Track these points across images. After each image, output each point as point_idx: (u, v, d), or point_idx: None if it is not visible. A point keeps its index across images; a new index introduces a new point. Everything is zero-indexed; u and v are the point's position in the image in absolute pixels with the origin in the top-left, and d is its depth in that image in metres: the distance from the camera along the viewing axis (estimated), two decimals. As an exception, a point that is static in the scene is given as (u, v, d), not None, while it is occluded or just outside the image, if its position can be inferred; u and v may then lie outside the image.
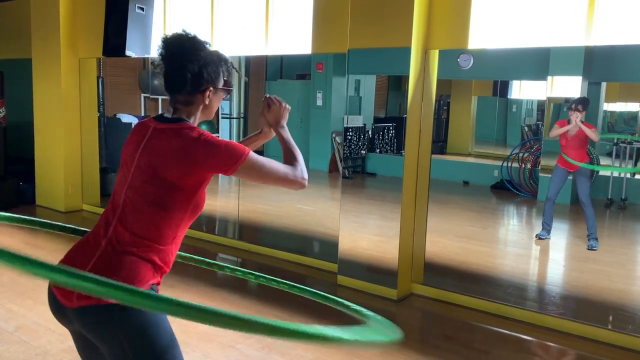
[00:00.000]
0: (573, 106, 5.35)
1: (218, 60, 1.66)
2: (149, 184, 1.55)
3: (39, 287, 3.97)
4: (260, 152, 1.72)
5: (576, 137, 5.32)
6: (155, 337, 1.49)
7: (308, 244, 5.96)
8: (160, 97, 9.46)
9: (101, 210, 6.47)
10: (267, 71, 12.39)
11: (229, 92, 1.74)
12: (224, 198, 7.99)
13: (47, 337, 3.25)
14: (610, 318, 3.98)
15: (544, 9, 3.64)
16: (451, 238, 6.04)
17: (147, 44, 6.13)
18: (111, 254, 1.51)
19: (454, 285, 4.37)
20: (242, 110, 11.70)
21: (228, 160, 1.56)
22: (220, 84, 1.69)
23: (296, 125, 11.85)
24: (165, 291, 1.39)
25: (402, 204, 4.06)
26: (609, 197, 7.32)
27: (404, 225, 4.10)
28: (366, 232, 4.61)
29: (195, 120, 1.67)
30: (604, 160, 7.90)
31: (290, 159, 1.73)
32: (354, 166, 10.80)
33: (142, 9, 6.02)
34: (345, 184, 5.21)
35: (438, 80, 4.17)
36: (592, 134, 5.33)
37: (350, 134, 10.32)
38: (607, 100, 8.58)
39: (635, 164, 7.60)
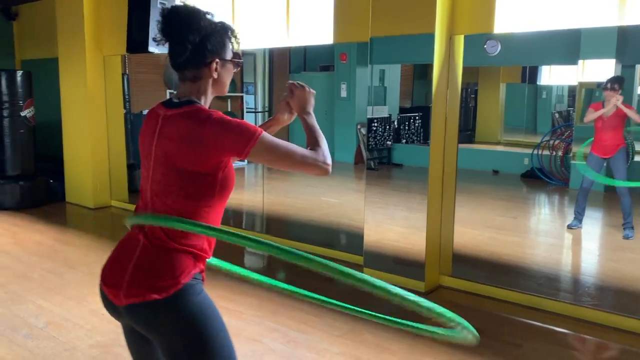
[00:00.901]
0: (609, 85, 5.14)
1: (223, 30, 1.57)
2: (169, 175, 1.51)
3: (69, 284, 4.03)
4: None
5: (614, 117, 5.12)
6: (202, 327, 1.47)
7: (333, 236, 5.91)
8: (184, 93, 9.49)
9: (129, 207, 6.57)
10: (290, 63, 12.35)
11: (238, 64, 1.65)
12: (250, 191, 8.01)
13: (75, 332, 3.28)
14: (649, 309, 3.84)
15: (573, -12, 3.49)
16: (481, 228, 5.91)
17: (169, 39, 6.14)
18: (151, 250, 1.50)
19: (484, 276, 4.27)
20: (266, 104, 11.70)
21: (239, 141, 1.47)
22: (228, 56, 1.60)
23: (321, 118, 11.78)
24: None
25: (428, 194, 3.97)
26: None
27: (430, 216, 4.01)
28: (392, 223, 4.54)
29: (206, 99, 1.60)
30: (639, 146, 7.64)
31: (312, 144, 1.63)
32: (380, 157, 10.70)
33: (164, 3, 6.02)
34: (370, 175, 5.14)
35: (464, 68, 4.06)
36: (634, 114, 5.14)
37: (376, 124, 10.22)
38: (643, 84, 8.30)
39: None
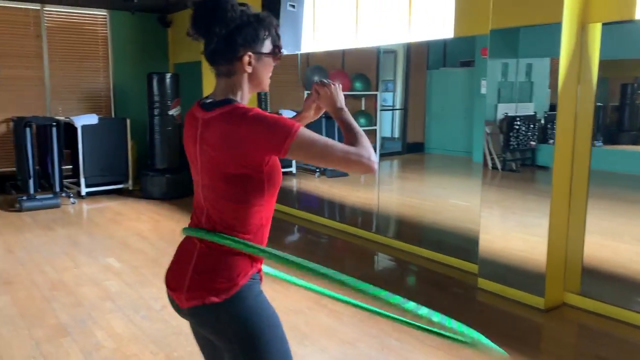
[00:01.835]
0: None
1: (256, 22, 1.50)
2: (216, 180, 1.50)
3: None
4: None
5: None
6: (258, 329, 1.47)
7: (452, 241, 5.61)
8: (319, 92, 9.72)
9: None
10: (428, 60, 12.01)
11: (277, 58, 1.58)
12: (364, 188, 7.95)
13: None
14: None
15: None
16: (629, 242, 5.19)
17: (298, 40, 6.32)
18: (207, 253, 1.51)
19: (620, 297, 3.74)
20: (402, 102, 11.51)
21: (275, 137, 1.40)
22: (264, 49, 1.52)
23: (460, 116, 11.30)
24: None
25: (551, 199, 3.59)
26: None
27: (554, 224, 3.62)
28: (518, 230, 4.17)
29: (242, 95, 1.54)
30: None
31: (352, 141, 1.51)
32: (523, 158, 9.93)
33: (293, 6, 6.21)
34: (507, 178, 4.77)
35: (630, 61, 3.56)
36: None
37: (518, 123, 9.50)
38: None
39: None
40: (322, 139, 1.44)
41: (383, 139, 8.50)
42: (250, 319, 1.47)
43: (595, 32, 3.50)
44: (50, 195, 6.64)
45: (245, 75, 1.53)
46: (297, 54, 8.22)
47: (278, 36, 1.57)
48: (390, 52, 10.64)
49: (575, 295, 3.71)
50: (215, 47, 1.48)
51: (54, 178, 6.79)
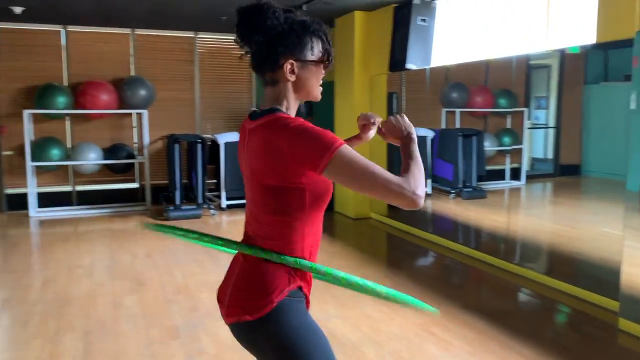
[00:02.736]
0: None
1: (301, 28, 1.44)
2: (257, 192, 1.46)
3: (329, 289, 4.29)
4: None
5: None
6: (297, 350, 1.39)
7: (591, 272, 4.94)
8: (457, 110, 9.34)
9: (387, 220, 6.78)
10: (586, 74, 10.92)
11: (325, 65, 1.49)
12: (503, 212, 7.35)
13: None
14: None
15: None
16: None
17: (428, 55, 6.13)
18: (247, 267, 1.48)
19: None
20: (556, 120, 10.60)
21: (314, 153, 1.31)
22: (309, 56, 1.45)
23: (623, 136, 10.10)
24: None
25: None
26: None
27: None
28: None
29: (288, 104, 1.48)
30: None
31: (403, 170, 1.39)
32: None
33: (424, 20, 6.04)
34: None
35: None
36: None
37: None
38: None
39: None
40: (364, 162, 1.32)
41: (533, 159, 7.87)
42: (287, 338, 1.39)
43: None
44: (194, 207, 7.19)
45: (289, 84, 1.47)
46: (425, 69, 8.03)
47: (328, 43, 1.49)
48: (543, 67, 9.89)
49: None
50: (257, 54, 1.45)
51: (198, 191, 7.34)
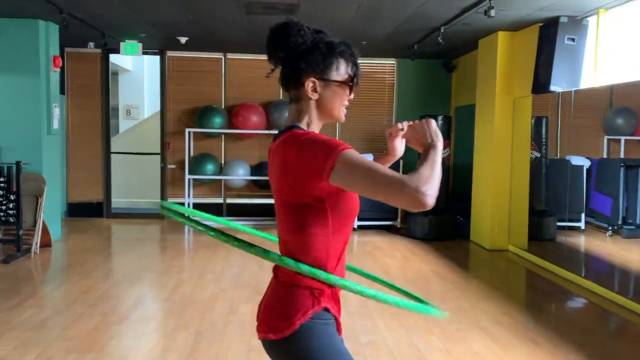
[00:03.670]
0: None
1: (326, 48, 1.43)
2: (281, 211, 1.48)
3: (409, 313, 4.17)
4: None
5: None
6: None
7: None
8: (622, 138, 8.36)
9: (526, 255, 6.27)
10: None
11: (348, 86, 1.46)
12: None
13: (383, 357, 3.41)
14: None
15: None
16: None
17: (576, 76, 5.62)
18: (275, 286, 1.51)
19: None
20: None
21: (319, 158, 1.30)
22: (333, 76, 1.44)
23: None
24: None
25: None
26: None
27: None
28: None
29: (310, 123, 1.48)
30: None
31: (415, 170, 1.29)
32: None
33: (573, 39, 5.56)
34: None
35: None
36: None
37: None
38: None
39: None
40: (367, 163, 1.28)
41: None
42: (309, 356, 1.40)
43: None
44: (326, 225, 7.38)
45: (312, 103, 1.48)
46: (607, 95, 7.37)
47: (356, 65, 1.48)
48: None
49: None
50: (282, 71, 1.49)
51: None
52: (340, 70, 1.47)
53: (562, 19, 5.51)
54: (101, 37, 7.02)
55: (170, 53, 8.41)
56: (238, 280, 5.10)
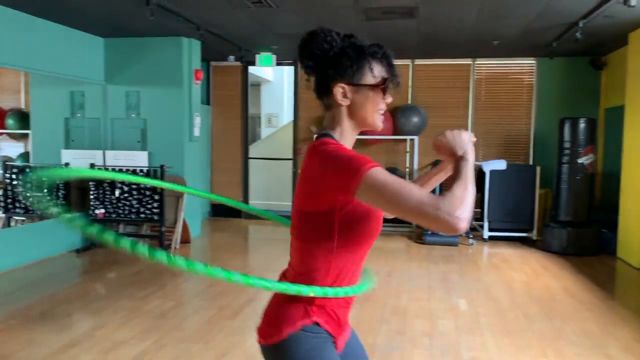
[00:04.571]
0: None
1: (355, 52, 1.38)
2: (295, 218, 1.47)
3: (528, 331, 3.84)
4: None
5: None
6: None
7: None
8: None
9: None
10: None
11: (381, 90, 1.38)
12: None
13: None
14: None
15: None
16: None
17: None
18: (274, 296, 1.50)
19: None
20: None
21: (343, 175, 1.26)
22: (364, 80, 1.39)
23: None
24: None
25: None
26: None
27: None
28: None
29: (342, 131, 1.44)
30: None
31: (447, 190, 1.22)
32: None
33: None
34: None
35: None
36: None
37: None
38: None
39: None
40: (397, 182, 1.22)
41: None
42: None
43: None
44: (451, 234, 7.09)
45: (343, 109, 1.44)
46: None
47: (390, 66, 1.41)
48: None
49: None
50: (315, 79, 1.47)
51: (457, 218, 7.22)
52: (375, 73, 1.41)
53: None
54: (238, 51, 7.54)
55: (302, 62, 8.74)
56: (350, 285, 5.12)
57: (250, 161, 9.24)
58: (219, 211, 9.11)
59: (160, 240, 6.42)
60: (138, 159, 6.87)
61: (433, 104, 8.31)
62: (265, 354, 1.47)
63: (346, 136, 1.45)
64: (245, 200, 9.15)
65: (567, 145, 6.68)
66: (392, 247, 6.93)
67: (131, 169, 6.60)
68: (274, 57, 7.61)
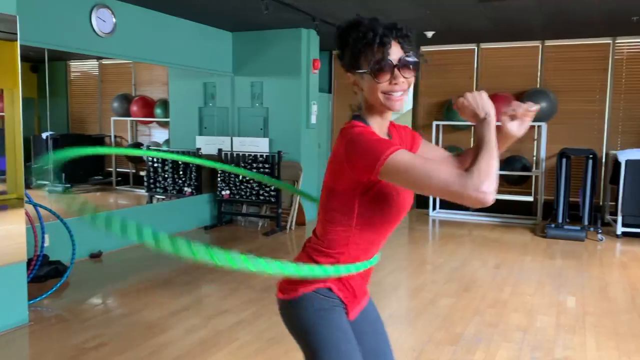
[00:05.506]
0: None
1: (355, 41, 1.42)
2: (322, 191, 1.56)
3: (628, 333, 3.56)
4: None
5: None
6: (311, 343, 1.50)
7: None
8: None
9: None
10: None
11: (374, 74, 1.40)
12: None
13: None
14: None
15: None
16: None
17: None
18: (300, 254, 1.61)
19: None
20: None
21: (368, 156, 1.33)
22: (360, 67, 1.43)
23: None
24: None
25: None
26: None
27: None
28: None
29: (369, 115, 1.50)
30: None
31: (472, 161, 1.28)
32: None
33: None
34: None
35: None
36: None
37: None
38: None
39: None
40: (423, 164, 1.29)
41: None
42: (304, 327, 1.51)
43: None
44: (578, 228, 6.59)
45: (360, 95, 1.52)
46: None
47: (381, 52, 1.40)
48: None
49: None
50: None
51: (583, 211, 6.69)
52: (369, 57, 1.42)
53: None
54: (357, 39, 7.65)
55: (422, 48, 8.61)
56: (453, 274, 5.04)
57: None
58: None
59: (277, 221, 6.83)
60: (260, 145, 7.34)
61: (564, 88, 7.72)
62: (280, 307, 1.59)
63: (373, 120, 1.51)
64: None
65: None
66: (509, 239, 6.63)
67: (252, 154, 7.07)
68: (392, 43, 7.59)
